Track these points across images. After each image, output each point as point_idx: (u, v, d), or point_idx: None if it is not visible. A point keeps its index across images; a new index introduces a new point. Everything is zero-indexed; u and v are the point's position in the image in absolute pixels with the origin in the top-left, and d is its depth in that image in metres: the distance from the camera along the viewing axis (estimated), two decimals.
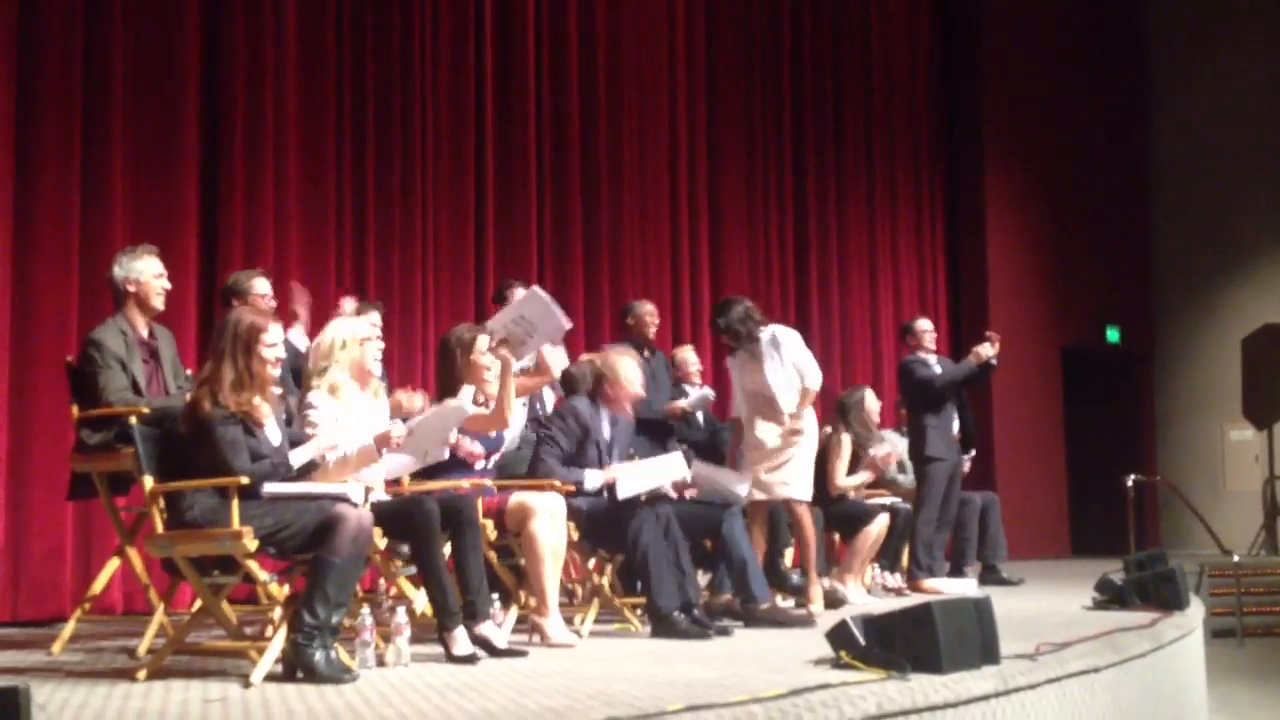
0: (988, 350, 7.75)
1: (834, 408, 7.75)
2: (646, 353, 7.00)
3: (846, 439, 7.51)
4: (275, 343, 4.24)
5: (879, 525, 7.21)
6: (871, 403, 7.70)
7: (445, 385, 5.09)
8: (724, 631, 5.28)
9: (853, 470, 7.53)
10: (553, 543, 4.99)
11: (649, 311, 7.20)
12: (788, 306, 10.82)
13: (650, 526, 5.29)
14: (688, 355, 7.54)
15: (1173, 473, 12.92)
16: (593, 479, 5.49)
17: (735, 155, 10.59)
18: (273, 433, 4.25)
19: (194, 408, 4.11)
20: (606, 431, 5.64)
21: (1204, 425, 13.31)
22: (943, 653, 3.79)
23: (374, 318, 5.85)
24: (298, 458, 4.34)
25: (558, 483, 5.26)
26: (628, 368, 5.69)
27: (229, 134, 7.30)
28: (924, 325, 8.06)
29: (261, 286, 5.61)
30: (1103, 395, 13.30)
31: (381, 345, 4.93)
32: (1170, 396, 13.61)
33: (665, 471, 5.72)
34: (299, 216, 7.59)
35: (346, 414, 4.61)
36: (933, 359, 7.96)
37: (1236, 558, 9.94)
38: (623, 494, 5.45)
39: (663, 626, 5.21)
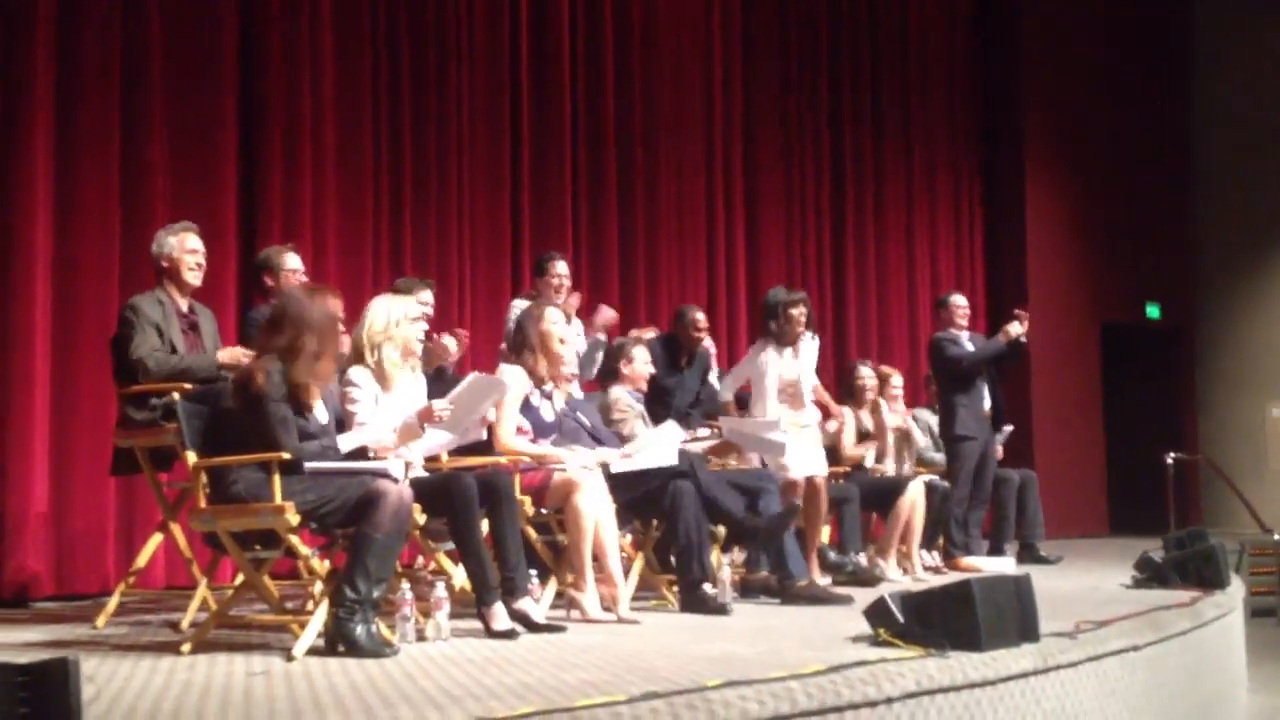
0: (1016, 328, 7.67)
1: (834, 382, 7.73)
2: (684, 359, 6.98)
3: (849, 411, 7.48)
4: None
5: (912, 494, 7.17)
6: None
7: (513, 348, 5.47)
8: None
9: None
10: (597, 516, 5.00)
11: (693, 321, 7.03)
12: (824, 283, 10.78)
13: (690, 499, 5.32)
14: None
15: (1214, 450, 12.77)
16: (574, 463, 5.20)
17: (771, 133, 10.53)
18: (320, 412, 4.29)
19: (248, 382, 4.11)
20: (549, 411, 5.42)
21: (1246, 403, 13.16)
22: (982, 630, 3.79)
23: (425, 295, 5.76)
24: (346, 443, 4.37)
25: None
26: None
27: (267, 113, 7.32)
28: (958, 300, 7.98)
29: (293, 262, 5.59)
30: (1143, 372, 13.16)
31: (426, 326, 4.93)
32: (1211, 373, 13.46)
33: (662, 445, 5.44)
34: (337, 196, 7.62)
35: (390, 392, 4.63)
36: (964, 335, 7.89)
37: (1277, 536, 9.84)
38: (615, 469, 5.31)
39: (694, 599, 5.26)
